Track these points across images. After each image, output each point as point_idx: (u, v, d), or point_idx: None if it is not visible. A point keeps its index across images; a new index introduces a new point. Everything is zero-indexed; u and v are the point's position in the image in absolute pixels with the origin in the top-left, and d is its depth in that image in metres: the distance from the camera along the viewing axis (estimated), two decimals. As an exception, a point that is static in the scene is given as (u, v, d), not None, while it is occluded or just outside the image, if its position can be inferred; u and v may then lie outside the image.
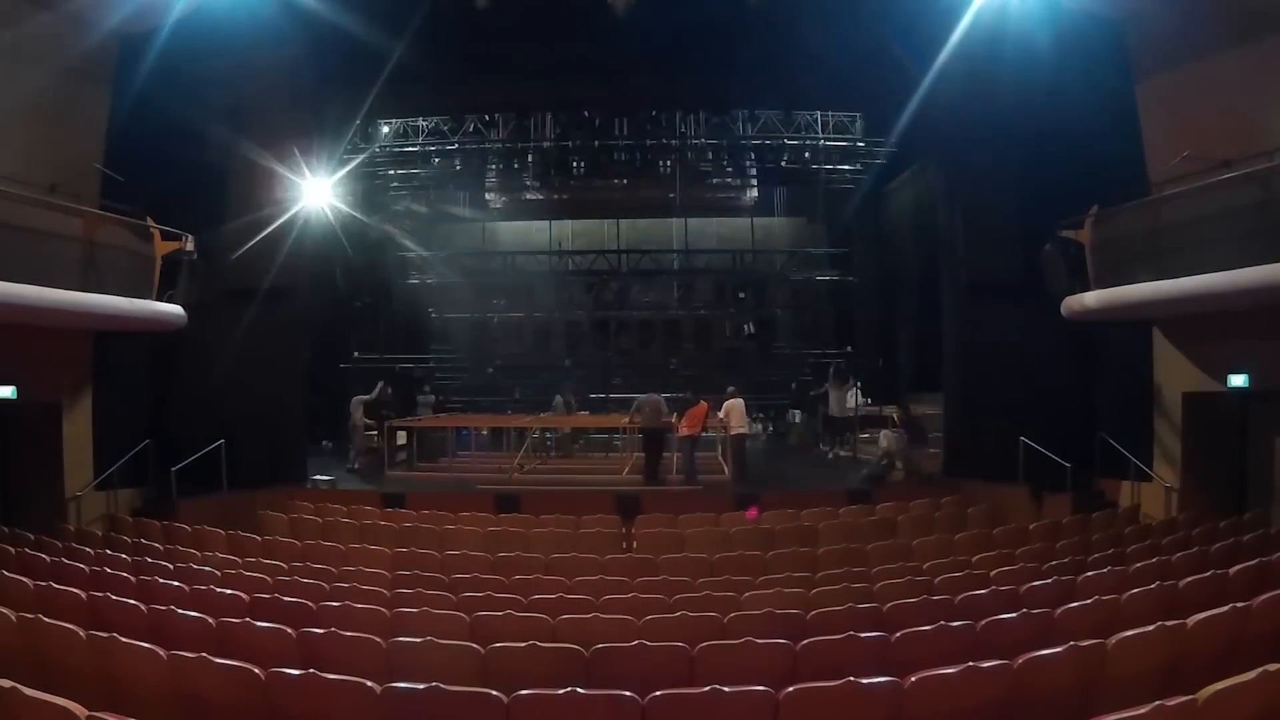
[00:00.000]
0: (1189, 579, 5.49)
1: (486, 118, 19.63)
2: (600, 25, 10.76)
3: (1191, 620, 4.43)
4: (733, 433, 12.31)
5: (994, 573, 6.57)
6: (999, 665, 3.97)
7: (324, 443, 16.04)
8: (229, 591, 5.96)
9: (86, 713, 3.35)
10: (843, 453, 15.25)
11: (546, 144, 19.65)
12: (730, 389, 12.84)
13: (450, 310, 21.97)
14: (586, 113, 19.17)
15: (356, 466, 13.49)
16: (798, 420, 17.54)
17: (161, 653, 4.21)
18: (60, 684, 4.05)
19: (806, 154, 20.00)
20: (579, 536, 8.85)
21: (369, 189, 19.20)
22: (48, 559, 6.81)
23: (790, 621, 5.27)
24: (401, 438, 16.07)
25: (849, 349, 19.14)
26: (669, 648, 4.59)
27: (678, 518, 9.38)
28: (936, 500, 10.15)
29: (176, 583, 6.20)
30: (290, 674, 3.95)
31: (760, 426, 19.45)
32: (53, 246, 8.82)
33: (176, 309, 10.37)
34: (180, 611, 5.18)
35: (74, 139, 10.02)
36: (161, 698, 4.15)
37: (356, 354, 19.12)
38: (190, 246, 10.45)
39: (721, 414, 12.38)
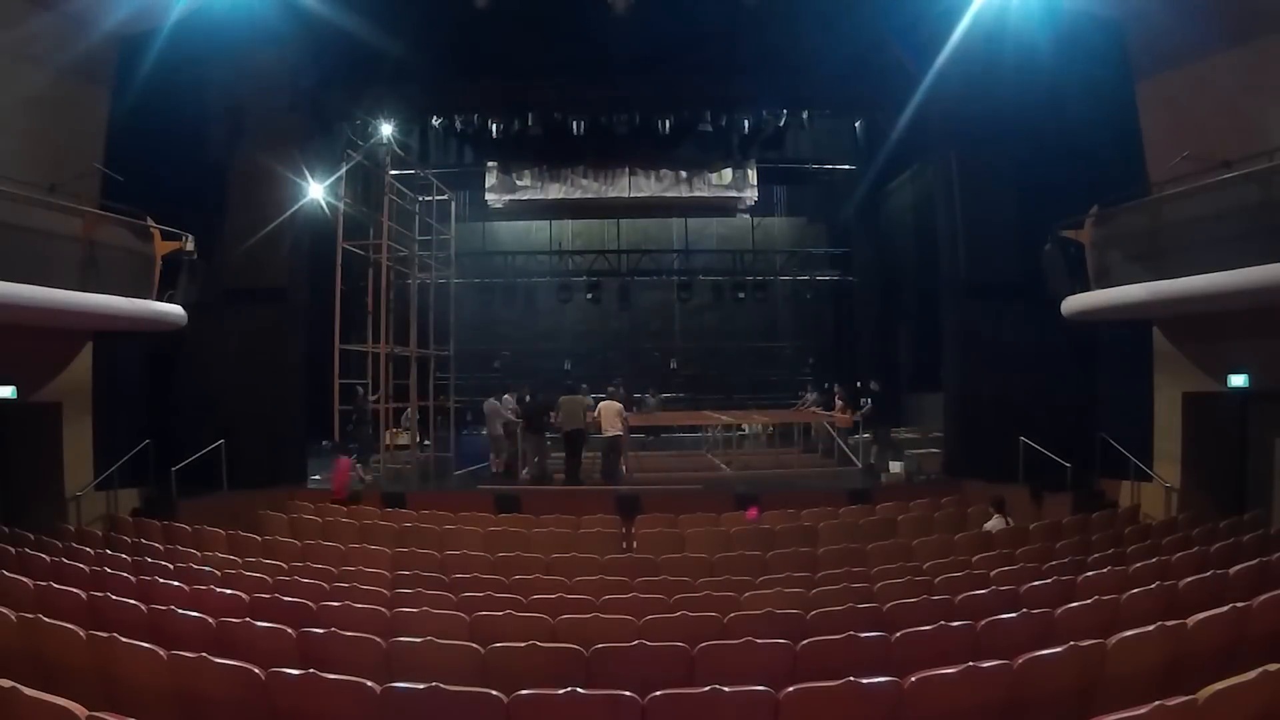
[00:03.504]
0: (1189, 579, 5.49)
1: (486, 117, 19.59)
2: (600, 25, 10.77)
3: (1191, 620, 4.43)
4: (606, 434, 12.06)
5: (994, 573, 6.57)
6: (999, 665, 3.96)
7: (324, 443, 15.99)
8: (229, 591, 5.95)
9: (86, 713, 3.34)
10: None
11: (546, 143, 19.59)
12: (610, 389, 12.37)
13: (450, 310, 21.92)
14: (587, 113, 19.12)
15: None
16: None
17: (161, 653, 4.20)
18: (60, 684, 4.04)
19: (807, 154, 19.99)
20: (579, 536, 8.84)
21: (368, 188, 19.16)
22: (48, 559, 6.80)
23: (790, 621, 5.26)
24: (404, 438, 16.04)
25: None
26: (669, 648, 4.59)
27: (678, 518, 9.38)
28: (936, 500, 10.15)
29: (176, 583, 6.18)
30: (290, 674, 3.95)
31: (760, 428, 19.47)
32: (52, 246, 8.82)
33: (176, 309, 10.35)
34: (180, 611, 5.17)
35: (74, 139, 10.01)
36: (161, 698, 4.15)
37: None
38: (190, 246, 10.42)
39: (595, 413, 12.11)
